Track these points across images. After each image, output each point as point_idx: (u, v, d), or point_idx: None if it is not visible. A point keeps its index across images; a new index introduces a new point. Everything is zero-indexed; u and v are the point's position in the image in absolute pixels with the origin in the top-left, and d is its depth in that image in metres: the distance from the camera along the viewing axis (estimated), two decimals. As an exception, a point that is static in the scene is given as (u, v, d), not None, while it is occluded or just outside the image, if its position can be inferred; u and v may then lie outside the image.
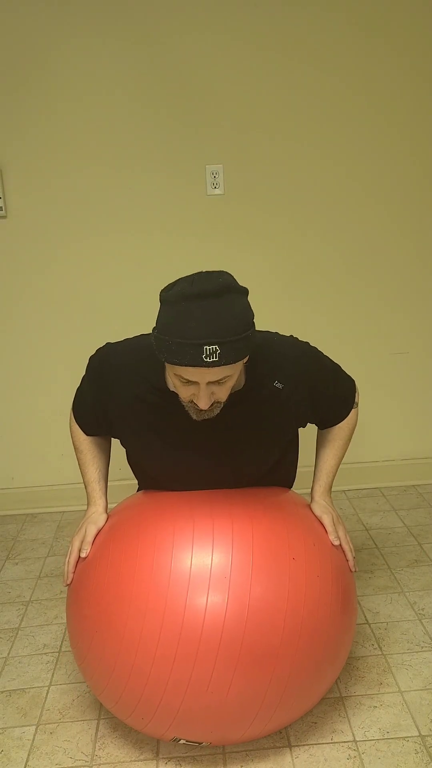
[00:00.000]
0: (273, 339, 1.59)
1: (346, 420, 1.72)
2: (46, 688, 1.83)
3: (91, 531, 1.57)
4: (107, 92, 2.53)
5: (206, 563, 1.38)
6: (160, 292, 1.35)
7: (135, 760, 1.58)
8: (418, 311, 2.79)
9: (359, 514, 2.68)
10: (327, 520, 1.58)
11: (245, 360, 1.40)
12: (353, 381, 1.74)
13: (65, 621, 2.09)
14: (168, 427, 1.53)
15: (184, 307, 1.29)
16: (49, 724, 1.70)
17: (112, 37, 2.48)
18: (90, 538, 1.56)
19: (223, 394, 1.38)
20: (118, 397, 1.54)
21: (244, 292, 1.36)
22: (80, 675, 1.83)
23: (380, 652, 1.88)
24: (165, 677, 1.37)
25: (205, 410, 1.41)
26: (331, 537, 1.55)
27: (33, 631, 2.07)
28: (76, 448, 1.71)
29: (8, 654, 1.97)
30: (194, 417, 1.44)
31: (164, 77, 2.52)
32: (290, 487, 1.76)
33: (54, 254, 2.64)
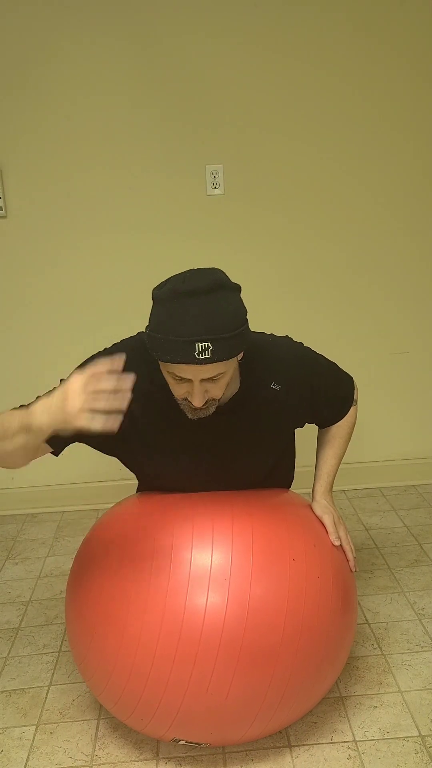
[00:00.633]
0: (268, 340, 1.59)
1: (345, 418, 1.72)
2: (46, 688, 1.83)
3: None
4: (107, 92, 2.53)
5: (206, 564, 1.38)
6: (153, 290, 1.35)
7: (135, 760, 1.58)
8: (419, 311, 2.79)
9: (359, 514, 2.68)
10: (328, 520, 1.58)
11: (239, 357, 1.39)
12: (351, 378, 1.74)
13: (65, 621, 2.09)
14: (166, 431, 1.51)
15: (176, 305, 1.29)
16: (49, 724, 1.70)
17: (112, 37, 2.48)
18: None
19: (217, 391, 1.38)
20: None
21: (237, 288, 1.36)
22: (80, 675, 1.83)
23: (380, 652, 1.88)
24: (164, 678, 1.36)
25: (200, 408, 1.40)
26: (332, 537, 1.55)
27: (33, 631, 2.07)
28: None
29: (8, 654, 1.97)
30: (189, 416, 1.44)
31: (164, 77, 2.52)
32: (289, 487, 1.75)
33: (54, 254, 2.64)
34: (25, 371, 2.70)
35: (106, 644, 1.42)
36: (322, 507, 1.63)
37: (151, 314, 1.35)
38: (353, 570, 1.59)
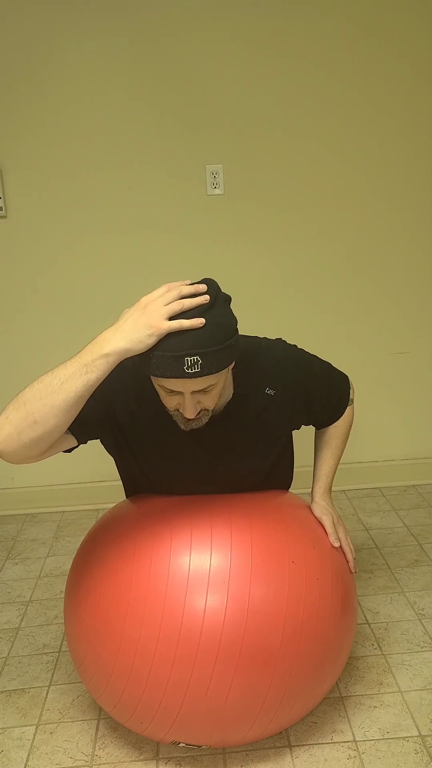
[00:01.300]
0: (261, 345, 1.58)
1: (342, 419, 1.72)
2: (46, 688, 1.83)
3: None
4: (107, 92, 2.53)
5: (204, 566, 1.38)
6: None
7: (135, 760, 1.58)
8: (419, 311, 2.79)
9: (359, 514, 2.68)
10: (327, 522, 1.58)
11: (230, 367, 1.38)
12: (347, 378, 1.73)
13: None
14: (163, 439, 1.51)
15: None
16: (49, 724, 1.70)
17: (112, 37, 2.48)
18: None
19: (209, 402, 1.37)
20: (124, 404, 1.51)
21: (227, 300, 1.35)
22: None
23: (380, 652, 1.88)
24: (164, 680, 1.36)
25: (193, 420, 1.40)
26: (332, 538, 1.55)
27: (33, 631, 2.07)
28: (29, 394, 1.31)
29: (8, 654, 1.97)
30: (182, 427, 1.43)
31: (164, 77, 2.52)
32: (288, 488, 1.75)
33: (54, 254, 2.64)
34: (25, 371, 2.69)
35: (104, 647, 1.42)
36: (321, 508, 1.62)
37: None
38: (353, 571, 1.59)
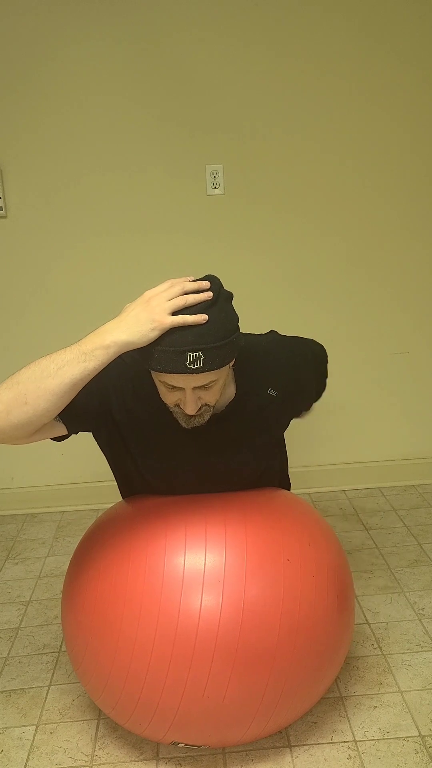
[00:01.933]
0: (261, 344, 1.59)
1: None
2: (46, 688, 1.83)
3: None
4: (107, 92, 2.53)
5: (199, 566, 1.38)
6: None
7: (135, 760, 1.58)
8: (419, 311, 2.79)
9: (359, 514, 2.68)
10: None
11: (231, 364, 1.39)
12: (325, 353, 1.71)
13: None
14: (160, 437, 1.51)
15: None
16: (49, 724, 1.70)
17: (111, 37, 2.48)
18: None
19: (210, 398, 1.38)
20: (121, 400, 1.51)
21: (229, 297, 1.35)
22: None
23: (380, 652, 1.88)
24: (161, 680, 1.36)
25: (194, 416, 1.40)
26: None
27: (33, 631, 2.07)
28: (24, 374, 1.34)
29: (8, 654, 1.97)
30: (183, 424, 1.43)
31: (164, 77, 2.52)
32: (282, 486, 1.75)
33: (54, 254, 2.64)
34: (25, 371, 2.70)
35: (101, 649, 1.42)
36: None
37: None
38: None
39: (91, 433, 1.54)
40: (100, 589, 1.44)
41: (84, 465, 2.71)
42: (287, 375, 1.55)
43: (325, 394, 1.73)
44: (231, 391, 1.49)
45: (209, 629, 1.34)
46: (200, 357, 1.26)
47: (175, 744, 1.50)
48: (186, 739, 1.47)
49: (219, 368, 1.30)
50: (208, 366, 1.27)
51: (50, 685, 1.84)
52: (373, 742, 1.58)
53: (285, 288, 2.72)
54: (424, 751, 1.55)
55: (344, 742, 1.59)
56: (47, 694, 1.81)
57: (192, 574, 1.37)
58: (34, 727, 1.70)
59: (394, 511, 2.69)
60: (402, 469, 2.92)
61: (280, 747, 1.58)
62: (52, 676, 1.87)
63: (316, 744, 1.59)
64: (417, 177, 2.67)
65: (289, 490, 1.75)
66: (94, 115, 2.54)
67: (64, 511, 2.84)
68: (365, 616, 2.04)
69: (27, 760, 1.59)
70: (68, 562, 2.40)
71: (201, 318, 1.25)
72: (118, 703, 1.45)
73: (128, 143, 2.56)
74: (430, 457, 2.94)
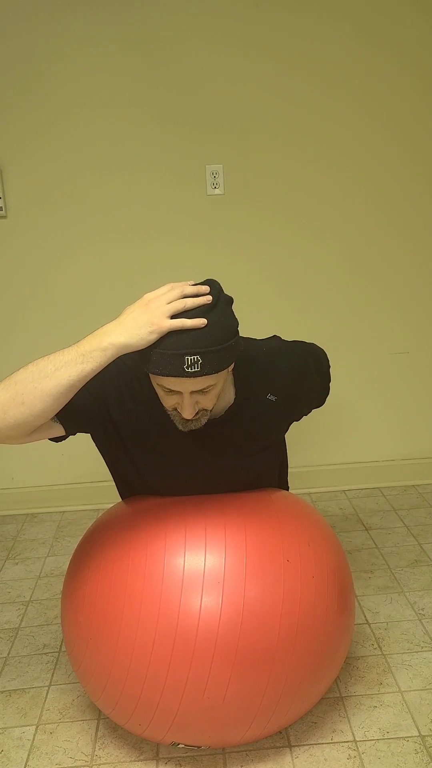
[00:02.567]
0: (262, 349, 1.58)
1: None
2: (46, 688, 1.83)
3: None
4: (107, 92, 2.53)
5: (199, 567, 1.38)
6: None
7: (135, 760, 1.58)
8: (419, 311, 2.79)
9: (359, 514, 2.68)
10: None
11: (229, 369, 1.38)
12: (327, 358, 1.70)
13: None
14: (159, 438, 1.50)
15: None
16: (49, 724, 1.70)
17: (111, 37, 2.48)
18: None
19: (207, 402, 1.37)
20: (120, 402, 1.51)
21: (229, 301, 1.35)
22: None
23: (380, 652, 1.88)
24: (161, 681, 1.36)
25: (192, 420, 1.39)
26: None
27: (33, 631, 2.07)
28: (22, 374, 1.34)
29: (8, 654, 1.97)
30: (180, 427, 1.42)
31: (164, 77, 2.52)
32: (282, 487, 1.75)
33: (54, 254, 2.64)
34: (25, 371, 2.70)
35: (101, 649, 1.42)
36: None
37: None
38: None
39: (89, 435, 1.54)
40: (100, 589, 1.44)
41: (84, 465, 2.71)
42: (287, 380, 1.55)
43: (325, 395, 1.73)
44: (230, 396, 1.49)
45: (209, 630, 1.34)
46: (198, 361, 1.25)
47: (175, 744, 1.50)
48: (186, 739, 1.47)
49: (217, 372, 1.29)
50: (206, 370, 1.27)
51: (50, 685, 1.84)
52: (373, 742, 1.58)
53: (285, 288, 2.72)
54: (424, 751, 1.55)
55: (344, 742, 1.59)
56: (47, 694, 1.81)
57: (192, 575, 1.37)
58: (34, 727, 1.70)
59: (394, 511, 2.69)
60: (402, 469, 2.92)
61: (280, 747, 1.59)
62: (52, 676, 1.87)
63: (316, 744, 1.59)
64: (417, 177, 2.67)
65: (282, 488, 1.75)
66: (94, 115, 2.54)
67: (64, 511, 2.84)
68: (365, 616, 2.04)
69: (27, 760, 1.59)
70: (68, 562, 2.40)
71: (200, 322, 1.25)
72: (118, 703, 1.45)
73: (128, 143, 2.56)
74: (430, 457, 2.94)
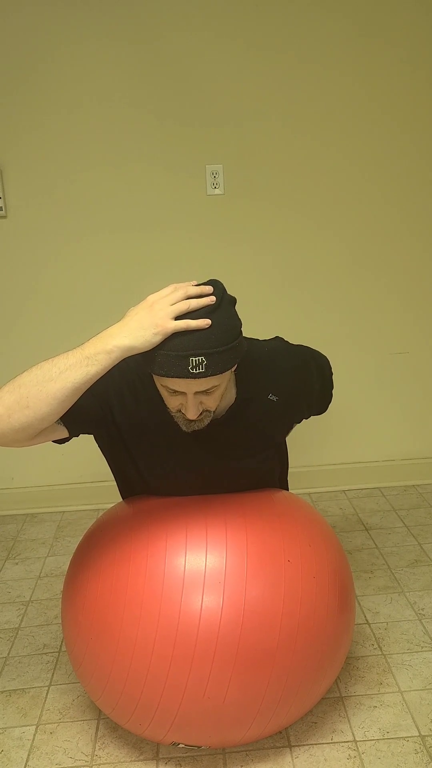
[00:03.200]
0: (264, 350, 1.58)
1: None
2: (46, 688, 1.83)
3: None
4: (107, 92, 2.53)
5: (200, 567, 1.38)
6: None
7: (135, 760, 1.58)
8: (419, 311, 2.79)
9: (359, 514, 2.68)
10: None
11: (233, 369, 1.38)
12: (329, 364, 1.70)
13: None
14: (161, 439, 1.50)
15: None
16: (49, 724, 1.70)
17: (111, 37, 2.48)
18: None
19: (211, 403, 1.37)
20: (122, 403, 1.51)
21: (232, 302, 1.35)
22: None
23: (380, 652, 1.88)
24: (161, 681, 1.36)
25: (195, 421, 1.39)
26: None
27: (33, 631, 2.07)
28: (27, 378, 1.33)
29: (8, 654, 1.97)
30: (184, 428, 1.42)
31: (164, 77, 2.52)
32: (283, 487, 1.75)
33: (54, 254, 2.64)
34: (25, 371, 2.70)
35: (102, 649, 1.42)
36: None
37: None
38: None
39: (92, 436, 1.54)
40: (101, 589, 1.44)
41: (84, 465, 2.71)
42: (289, 381, 1.55)
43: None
44: (231, 396, 1.49)
45: (210, 630, 1.34)
46: (203, 362, 1.25)
47: (175, 744, 1.50)
48: (186, 739, 1.47)
49: (221, 373, 1.30)
50: (211, 371, 1.27)
51: (50, 685, 1.84)
52: (373, 742, 1.58)
53: (285, 288, 2.72)
54: (424, 751, 1.55)
55: (344, 742, 1.59)
56: (47, 694, 1.81)
57: (192, 575, 1.37)
58: (34, 727, 1.70)
59: (394, 511, 2.69)
60: (402, 469, 2.93)
61: (280, 747, 1.59)
62: (52, 676, 1.87)
63: (316, 744, 1.59)
64: (417, 177, 2.67)
65: (283, 488, 1.75)
66: (94, 115, 2.54)
67: (64, 511, 2.84)
68: (365, 616, 2.04)
69: (27, 760, 1.59)
70: (68, 562, 2.40)
71: (204, 323, 1.25)
72: (119, 703, 1.45)
73: (128, 143, 2.56)
74: (430, 457, 2.94)
